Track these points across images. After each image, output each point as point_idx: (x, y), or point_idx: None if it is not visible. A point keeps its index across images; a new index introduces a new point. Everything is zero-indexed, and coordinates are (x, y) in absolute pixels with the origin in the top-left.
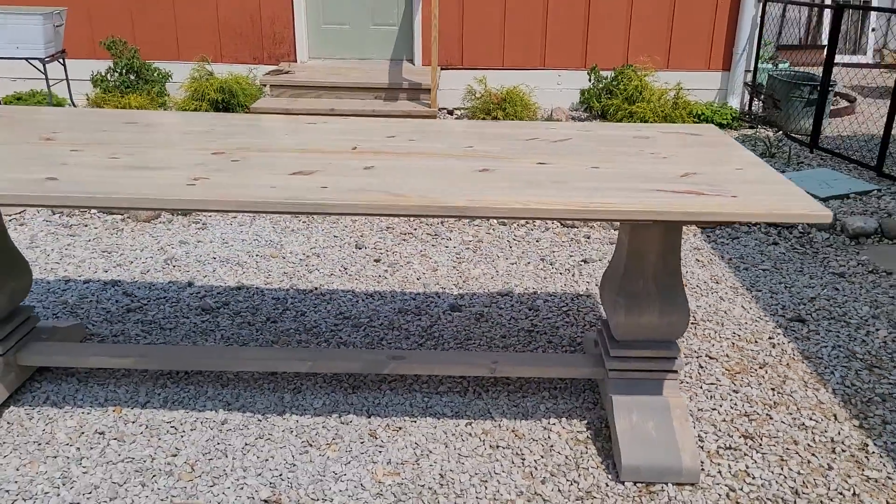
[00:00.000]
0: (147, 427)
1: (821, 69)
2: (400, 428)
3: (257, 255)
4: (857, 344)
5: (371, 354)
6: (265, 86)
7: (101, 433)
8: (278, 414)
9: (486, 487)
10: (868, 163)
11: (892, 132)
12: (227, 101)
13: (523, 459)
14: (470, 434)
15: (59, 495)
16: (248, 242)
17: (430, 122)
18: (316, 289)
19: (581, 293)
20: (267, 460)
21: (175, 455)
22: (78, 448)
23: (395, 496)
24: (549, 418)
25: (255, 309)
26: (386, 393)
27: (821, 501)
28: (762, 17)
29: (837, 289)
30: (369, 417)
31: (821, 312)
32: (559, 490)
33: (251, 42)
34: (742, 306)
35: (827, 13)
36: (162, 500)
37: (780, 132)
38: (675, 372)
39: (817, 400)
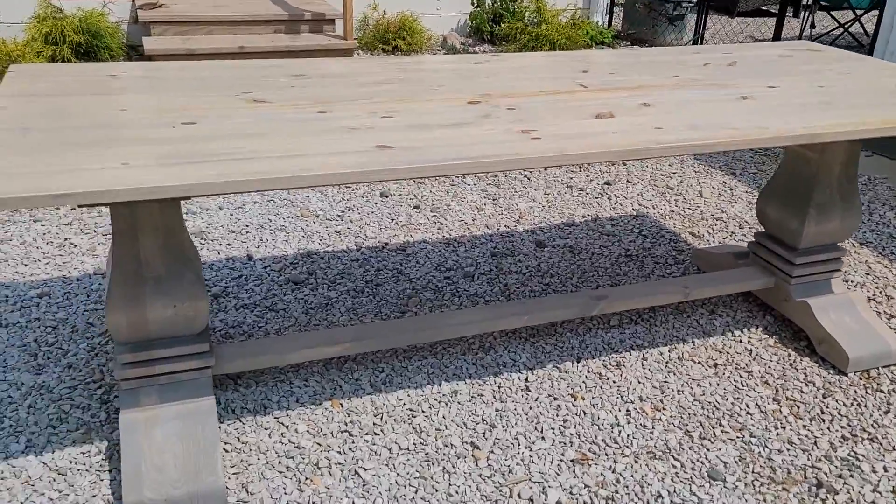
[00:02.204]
0: (387, 413)
1: None
2: (618, 364)
3: (288, 217)
4: None
5: (576, 298)
6: (141, 23)
7: (346, 431)
8: (497, 374)
9: (742, 402)
10: None
11: None
12: (90, 44)
13: (749, 372)
14: (679, 358)
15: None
16: (262, 204)
17: (483, 57)
18: (386, 244)
19: (632, 213)
20: (538, 418)
21: (444, 434)
22: (339, 451)
23: (678, 426)
24: (733, 332)
25: (344, 274)
26: (567, 335)
27: None
28: None
29: None
30: (579, 361)
31: None
32: (801, 391)
33: None
34: None
35: None
36: (476, 483)
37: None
38: (840, 269)
39: None
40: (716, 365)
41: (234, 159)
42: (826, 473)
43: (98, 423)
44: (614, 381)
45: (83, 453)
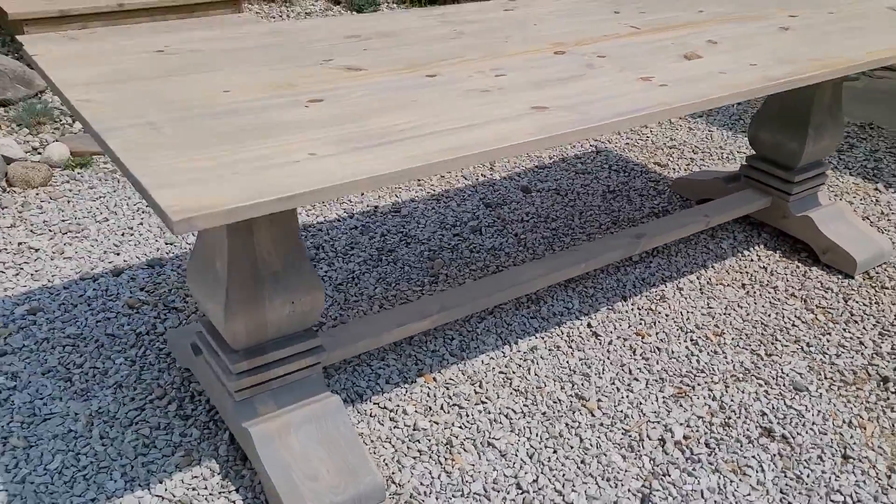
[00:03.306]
0: (483, 380)
1: None
2: (661, 297)
3: None
4: None
5: (619, 239)
6: None
7: (455, 404)
8: (560, 325)
9: (783, 316)
10: None
11: None
12: None
13: (775, 288)
14: (709, 283)
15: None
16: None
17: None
18: (376, 207)
19: (593, 149)
20: (621, 361)
21: (547, 392)
22: (459, 426)
23: (743, 347)
24: (742, 253)
25: (353, 245)
26: (601, 277)
27: None
28: None
29: None
30: (627, 300)
31: None
32: (825, 298)
33: None
34: None
35: None
36: (604, 432)
37: None
38: (825, 183)
39: None
40: (744, 285)
41: (406, 139)
42: (884, 368)
43: (193, 442)
44: (666, 314)
45: (195, 477)
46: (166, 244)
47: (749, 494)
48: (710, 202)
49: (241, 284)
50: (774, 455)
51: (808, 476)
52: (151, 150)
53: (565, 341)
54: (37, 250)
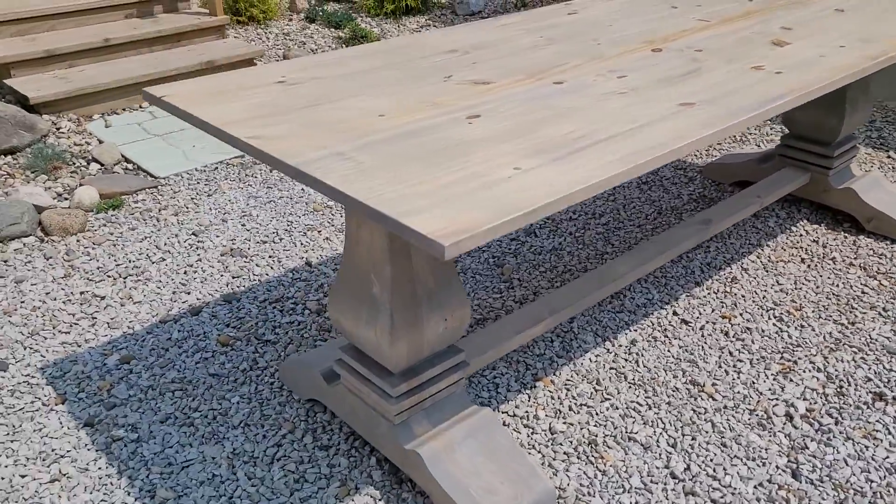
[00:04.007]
0: (599, 378)
1: None
2: (732, 279)
3: (306, 214)
4: None
5: (690, 227)
6: None
7: (582, 405)
8: (647, 315)
9: (851, 285)
10: None
11: None
12: None
13: (833, 259)
14: (770, 261)
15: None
16: (274, 208)
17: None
18: None
19: None
20: (718, 344)
21: (663, 381)
22: (595, 424)
23: (825, 318)
24: (791, 229)
25: None
26: (667, 266)
27: None
28: None
29: None
30: (699, 285)
31: None
32: (881, 264)
33: None
34: None
35: None
36: (731, 414)
37: None
38: (856, 155)
39: None
40: (803, 260)
41: (589, 146)
42: None
43: (344, 471)
44: (742, 295)
45: None
46: (234, 278)
47: (888, 457)
48: (755, 184)
49: (403, 307)
50: (894, 417)
51: None
52: (364, 179)
53: (659, 331)
54: (103, 298)
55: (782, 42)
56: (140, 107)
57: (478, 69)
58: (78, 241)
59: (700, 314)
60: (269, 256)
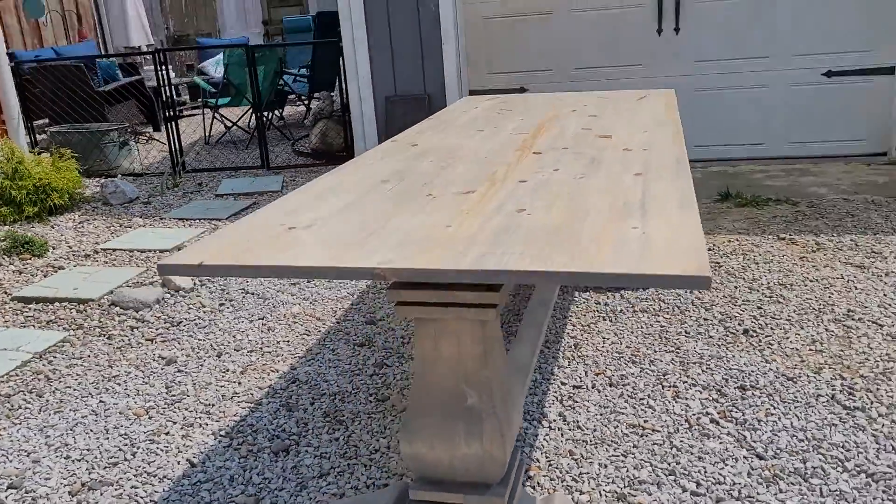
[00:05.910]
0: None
1: None
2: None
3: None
4: None
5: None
6: None
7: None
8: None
9: None
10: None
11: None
12: None
13: None
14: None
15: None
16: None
17: None
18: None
19: None
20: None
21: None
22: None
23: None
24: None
25: None
26: None
27: None
28: None
29: None
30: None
31: None
32: None
33: None
34: None
35: None
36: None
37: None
38: None
39: None
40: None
41: (665, 208)
42: None
43: None
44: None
45: None
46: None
47: None
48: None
49: (503, 403)
50: None
51: None
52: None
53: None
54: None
55: (605, 136)
56: None
57: (514, 167)
58: None
59: (811, 303)
60: None
